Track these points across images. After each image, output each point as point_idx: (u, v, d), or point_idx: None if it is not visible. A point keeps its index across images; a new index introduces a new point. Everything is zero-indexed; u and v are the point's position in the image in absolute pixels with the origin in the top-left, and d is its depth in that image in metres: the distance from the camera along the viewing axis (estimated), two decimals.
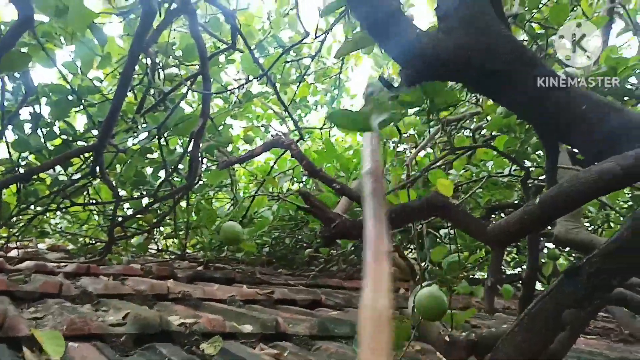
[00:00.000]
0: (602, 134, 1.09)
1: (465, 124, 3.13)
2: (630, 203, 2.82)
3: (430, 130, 3.06)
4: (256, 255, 3.44)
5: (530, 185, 2.39)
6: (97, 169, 2.08)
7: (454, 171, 2.44)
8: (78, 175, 2.42)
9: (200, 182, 3.08)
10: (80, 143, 2.43)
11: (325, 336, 1.79)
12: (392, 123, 1.40)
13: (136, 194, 2.93)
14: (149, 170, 2.86)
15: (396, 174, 3.19)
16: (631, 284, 1.90)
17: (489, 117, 2.27)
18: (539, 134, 1.27)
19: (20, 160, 2.41)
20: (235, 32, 2.05)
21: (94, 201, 2.83)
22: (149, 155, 2.62)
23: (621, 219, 2.86)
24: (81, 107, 2.24)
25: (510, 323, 2.17)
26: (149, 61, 2.50)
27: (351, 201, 2.85)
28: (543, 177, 1.98)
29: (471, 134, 2.96)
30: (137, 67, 2.23)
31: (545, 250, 3.16)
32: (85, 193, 2.71)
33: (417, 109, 1.31)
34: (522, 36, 2.23)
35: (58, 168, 2.40)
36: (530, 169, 2.25)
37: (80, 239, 3.23)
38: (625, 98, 1.80)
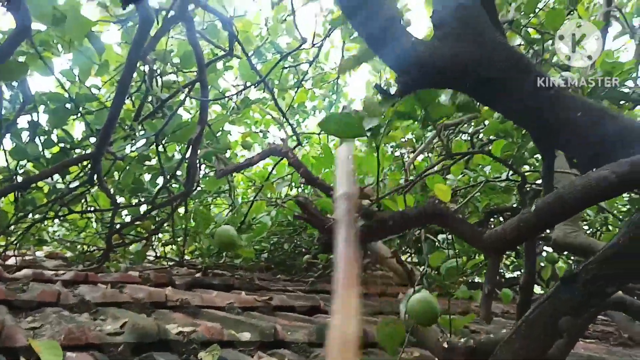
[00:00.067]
0: (598, 139, 1.10)
1: (462, 129, 3.13)
2: (628, 206, 2.83)
3: (428, 135, 3.07)
4: (255, 261, 3.43)
5: (527, 189, 2.39)
6: (95, 177, 2.08)
7: (451, 176, 2.44)
8: (76, 183, 2.42)
9: (199, 189, 3.08)
10: (78, 151, 2.43)
11: (323, 343, 1.79)
12: (388, 132, 1.40)
13: (134, 201, 2.92)
14: (146, 177, 2.86)
15: (394, 178, 3.20)
16: (631, 287, 1.90)
17: (486, 122, 2.27)
18: (535, 139, 1.27)
19: (18, 168, 2.41)
20: (232, 40, 2.05)
21: (92, 209, 2.82)
22: (146, 162, 2.62)
23: (619, 222, 2.86)
24: (79, 115, 2.24)
25: (509, 328, 2.17)
26: (146, 68, 2.50)
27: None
28: (540, 181, 1.98)
29: (469, 138, 2.96)
30: (134, 75, 2.23)
31: (544, 254, 3.17)
32: (83, 201, 2.71)
33: (412, 120, 1.31)
34: (518, 40, 2.24)
35: (56, 176, 2.40)
36: (527, 172, 2.26)
37: (78, 247, 3.22)
38: (622, 102, 1.80)
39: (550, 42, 2.25)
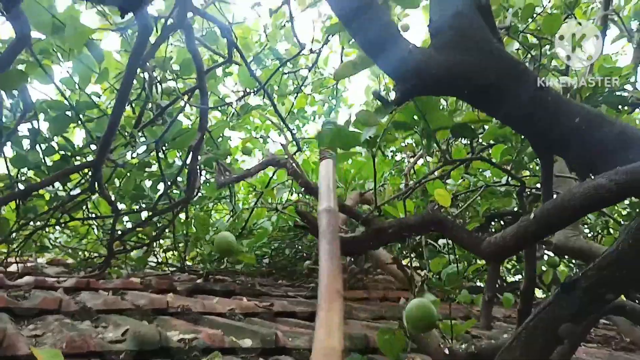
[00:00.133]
0: (596, 144, 1.10)
1: None
2: (628, 210, 2.83)
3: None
4: (256, 267, 3.44)
5: (527, 194, 2.40)
6: (96, 184, 2.08)
7: (451, 181, 2.44)
8: (77, 191, 2.42)
9: (199, 195, 3.09)
10: (78, 158, 2.43)
11: None
12: (385, 141, 1.41)
13: (135, 208, 2.93)
14: (147, 183, 2.86)
15: (394, 183, 3.20)
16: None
17: (486, 127, 2.28)
18: (533, 145, 1.28)
19: (19, 176, 2.41)
20: (231, 47, 2.06)
21: (93, 215, 2.83)
22: (147, 169, 2.63)
23: (620, 226, 2.86)
24: (79, 122, 2.25)
25: (511, 333, 2.16)
26: (146, 76, 2.51)
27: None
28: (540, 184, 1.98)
29: (469, 142, 2.96)
30: (134, 82, 2.24)
31: (545, 257, 3.16)
32: (84, 207, 2.71)
33: (411, 130, 1.32)
34: (516, 45, 2.25)
35: (57, 184, 2.41)
36: (527, 177, 2.26)
37: (80, 253, 3.23)
38: (620, 107, 1.81)
39: (547, 47, 2.26)
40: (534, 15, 2.17)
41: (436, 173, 2.07)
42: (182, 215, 3.05)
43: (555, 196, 1.21)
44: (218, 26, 2.08)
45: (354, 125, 1.31)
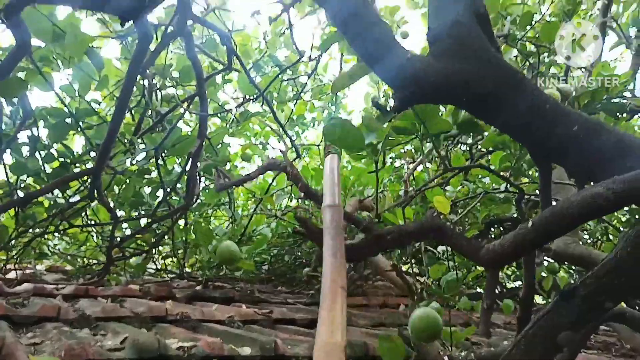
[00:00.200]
0: (594, 152, 1.11)
1: (461, 139, 3.14)
2: (627, 217, 2.83)
3: (427, 145, 3.08)
4: (255, 273, 3.43)
5: (526, 200, 2.40)
6: (95, 191, 2.08)
7: (450, 187, 2.44)
8: (76, 198, 2.42)
9: (199, 201, 3.09)
10: (78, 165, 2.43)
11: None
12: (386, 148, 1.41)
13: (134, 214, 2.93)
14: (147, 190, 2.87)
15: (394, 189, 3.21)
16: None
17: (485, 133, 2.28)
18: (531, 153, 1.28)
19: (18, 183, 2.41)
20: (231, 54, 2.07)
21: (92, 222, 2.83)
22: (146, 176, 2.63)
23: (619, 232, 2.86)
24: (79, 129, 2.25)
25: (511, 339, 2.16)
26: (146, 83, 2.51)
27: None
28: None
29: (468, 149, 2.97)
30: (134, 89, 2.25)
31: (545, 264, 3.16)
32: (83, 214, 2.71)
33: (411, 135, 1.32)
34: (514, 53, 2.26)
35: (56, 191, 2.41)
36: (526, 184, 2.26)
37: (79, 260, 3.22)
38: (618, 114, 1.82)
39: (546, 54, 2.27)
40: (532, 23, 2.18)
41: (435, 181, 2.07)
42: (182, 222, 3.05)
43: (554, 203, 1.22)
44: (218, 34, 2.09)
45: (359, 128, 1.32)
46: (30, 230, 2.55)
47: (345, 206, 2.80)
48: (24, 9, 1.54)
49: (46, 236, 2.84)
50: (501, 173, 1.98)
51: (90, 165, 2.34)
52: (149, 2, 1.39)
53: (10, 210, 2.33)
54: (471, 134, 2.97)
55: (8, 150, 2.23)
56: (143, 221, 2.90)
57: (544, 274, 3.01)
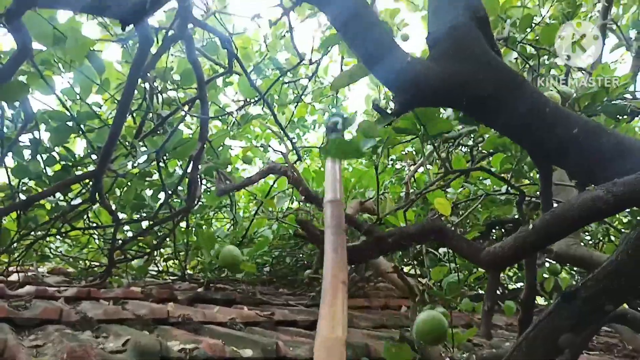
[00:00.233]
0: (594, 155, 1.11)
1: (462, 141, 3.14)
2: (629, 218, 2.83)
3: (428, 147, 3.08)
4: (257, 275, 3.43)
5: (528, 202, 2.40)
6: (97, 194, 2.09)
7: (451, 189, 2.45)
8: (78, 201, 2.43)
9: (200, 203, 3.09)
10: (79, 168, 2.44)
11: None
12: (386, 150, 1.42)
13: (136, 217, 2.93)
14: (148, 192, 2.87)
15: (395, 191, 3.21)
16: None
17: (486, 136, 2.29)
18: (531, 156, 1.28)
19: (20, 186, 2.42)
20: (231, 58, 2.08)
21: (94, 225, 2.83)
22: (148, 178, 2.63)
23: (620, 234, 2.86)
24: (80, 132, 2.26)
25: (512, 341, 2.16)
26: (147, 86, 2.52)
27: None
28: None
29: (469, 150, 2.97)
30: (135, 92, 2.25)
31: (547, 264, 3.16)
32: (85, 217, 2.72)
33: (412, 136, 1.33)
34: (514, 55, 2.26)
35: (58, 194, 2.41)
36: (527, 185, 2.26)
37: (81, 263, 3.23)
38: (618, 116, 1.82)
39: (546, 57, 2.27)
40: (532, 25, 2.18)
41: (436, 183, 2.08)
42: (183, 224, 3.05)
43: (555, 205, 1.22)
44: (218, 37, 2.09)
45: (357, 134, 1.32)
46: (32, 233, 2.56)
47: (346, 208, 2.80)
48: (25, 13, 1.54)
49: (48, 239, 2.85)
50: (502, 175, 1.98)
51: (91, 168, 2.34)
52: (150, 6, 1.40)
53: (13, 213, 2.33)
54: (472, 136, 2.98)
55: (10, 154, 2.23)
56: (145, 223, 2.90)
57: (545, 275, 3.01)
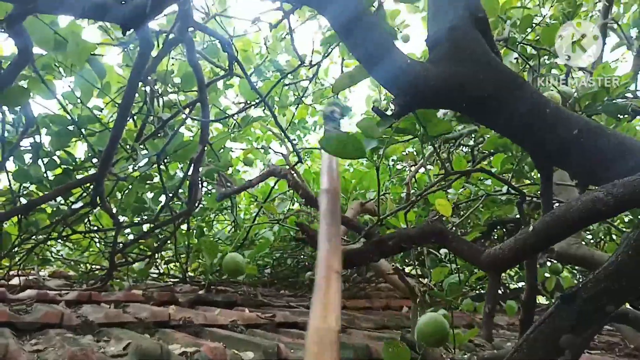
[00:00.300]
0: (595, 155, 1.11)
1: (463, 141, 3.14)
2: (630, 217, 2.83)
3: (429, 148, 3.08)
4: (258, 277, 3.43)
5: (528, 202, 2.40)
6: (98, 197, 2.09)
7: (452, 190, 2.45)
8: (79, 204, 2.43)
9: (201, 206, 3.09)
10: (80, 172, 2.44)
11: None
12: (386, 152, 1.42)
13: (137, 220, 2.94)
14: (149, 195, 2.87)
15: (395, 192, 3.21)
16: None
17: (486, 136, 2.28)
18: (532, 156, 1.28)
19: (21, 190, 2.42)
20: (232, 60, 2.08)
21: (95, 228, 2.84)
22: (149, 181, 2.64)
23: (621, 233, 2.86)
24: (81, 136, 2.26)
25: (514, 341, 2.15)
26: (148, 89, 2.52)
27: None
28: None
29: (469, 151, 2.97)
30: (136, 95, 2.25)
31: (549, 264, 3.15)
32: (86, 220, 2.72)
33: (412, 137, 1.33)
34: (514, 55, 2.26)
35: (59, 198, 2.42)
36: (528, 185, 2.26)
37: (82, 266, 3.23)
38: (619, 115, 1.81)
39: (546, 57, 2.27)
40: (533, 26, 2.18)
41: (437, 185, 2.08)
42: (184, 227, 3.06)
43: (555, 206, 1.22)
44: (219, 40, 2.10)
45: (357, 133, 1.32)
46: (33, 237, 2.56)
47: (347, 210, 2.80)
48: (26, 18, 1.54)
49: (49, 242, 2.85)
50: (503, 175, 1.98)
51: (92, 171, 2.34)
52: (150, 10, 1.40)
53: (14, 218, 2.34)
54: (473, 136, 2.98)
55: (11, 158, 2.24)
56: (146, 226, 2.90)
57: (547, 275, 3.01)
